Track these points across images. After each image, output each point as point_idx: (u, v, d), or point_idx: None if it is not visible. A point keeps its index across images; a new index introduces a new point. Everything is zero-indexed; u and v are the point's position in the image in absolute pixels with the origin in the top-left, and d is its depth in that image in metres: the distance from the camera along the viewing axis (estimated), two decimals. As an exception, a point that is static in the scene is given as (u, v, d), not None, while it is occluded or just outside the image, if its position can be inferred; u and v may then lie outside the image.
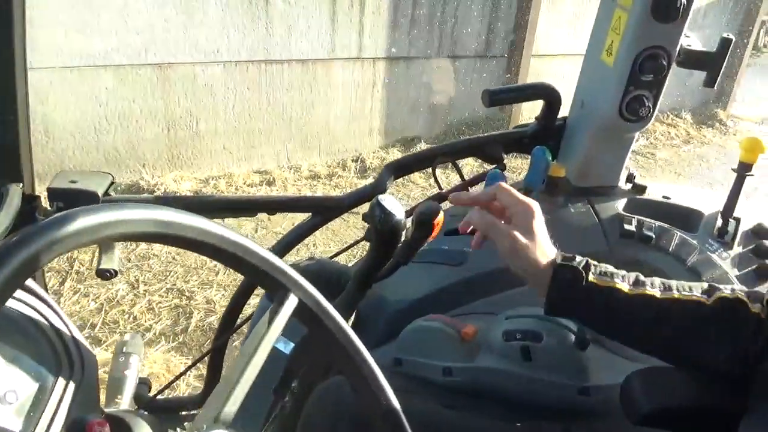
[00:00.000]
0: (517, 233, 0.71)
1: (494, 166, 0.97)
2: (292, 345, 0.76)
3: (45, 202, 0.86)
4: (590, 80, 1.03)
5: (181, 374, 0.99)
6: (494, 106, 0.98)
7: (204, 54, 3.69)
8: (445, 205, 1.04)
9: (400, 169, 0.97)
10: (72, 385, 0.41)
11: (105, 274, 0.94)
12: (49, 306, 0.45)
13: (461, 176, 0.99)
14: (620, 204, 0.97)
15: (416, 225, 0.74)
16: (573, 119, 1.07)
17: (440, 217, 0.76)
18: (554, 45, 5.32)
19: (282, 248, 0.94)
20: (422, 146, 4.88)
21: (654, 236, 0.89)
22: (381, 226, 0.63)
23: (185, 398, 1.11)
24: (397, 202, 0.64)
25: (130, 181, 3.82)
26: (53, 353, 0.42)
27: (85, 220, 0.35)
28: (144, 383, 1.13)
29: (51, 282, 2.92)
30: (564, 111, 1.05)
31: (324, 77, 4.28)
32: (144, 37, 3.46)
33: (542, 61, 5.29)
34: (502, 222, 0.74)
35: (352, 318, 0.74)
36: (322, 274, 0.86)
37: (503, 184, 0.73)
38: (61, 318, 0.45)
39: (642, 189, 1.02)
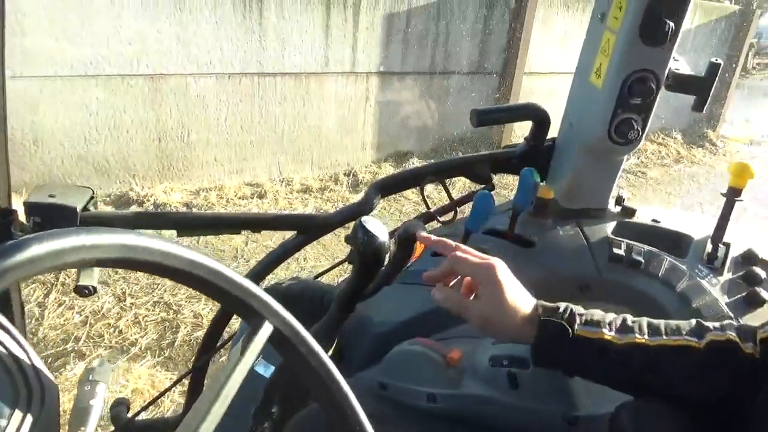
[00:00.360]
0: (484, 305, 0.69)
1: (482, 186, 0.96)
2: (272, 369, 0.74)
3: (23, 217, 0.84)
4: (579, 102, 1.03)
5: (159, 396, 0.96)
6: (482, 126, 0.98)
7: (197, 65, 3.69)
8: (434, 224, 1.03)
9: (387, 187, 0.96)
10: (30, 418, 0.39)
11: (83, 291, 0.92)
12: (7, 331, 0.43)
13: (449, 196, 0.98)
14: (609, 227, 0.96)
15: (398, 245, 0.73)
16: (562, 140, 1.06)
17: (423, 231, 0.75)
18: (546, 63, 5.37)
19: (265, 267, 0.92)
20: (414, 161, 4.89)
21: (643, 261, 0.88)
22: (364, 249, 0.61)
23: (166, 419, 1.08)
24: (380, 224, 0.63)
25: (120, 191, 3.79)
26: (10, 383, 0.40)
27: (42, 247, 0.34)
28: (122, 404, 1.10)
29: (35, 294, 2.87)
30: (553, 132, 1.05)
31: (317, 91, 4.29)
32: (136, 48, 3.45)
33: (534, 79, 5.33)
34: (470, 295, 0.73)
35: (335, 341, 0.72)
36: (305, 294, 0.85)
37: (457, 252, 0.70)
38: (19, 344, 0.43)
39: (631, 212, 1.01)
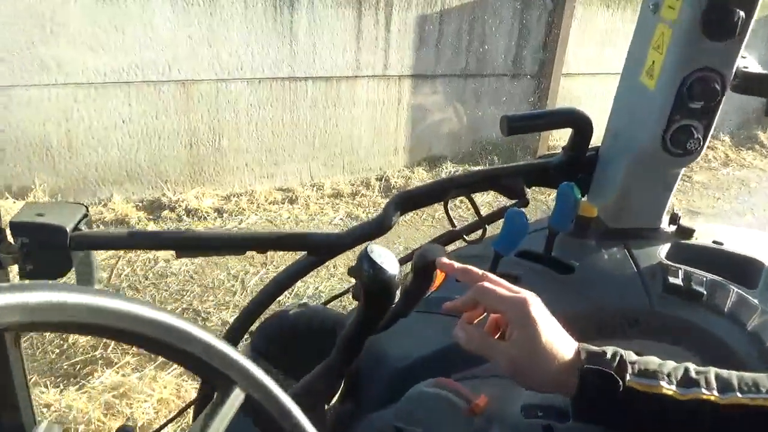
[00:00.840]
0: (515, 348, 0.58)
1: (514, 201, 0.84)
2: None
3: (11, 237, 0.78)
4: (627, 106, 0.90)
5: (164, 425, 0.89)
6: (514, 134, 0.86)
7: (228, 71, 3.67)
8: (459, 243, 0.93)
9: (407, 203, 0.86)
10: None
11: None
12: None
13: (477, 212, 0.87)
14: (663, 250, 0.83)
15: (415, 274, 0.63)
16: (606, 150, 0.93)
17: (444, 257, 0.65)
18: (585, 63, 5.17)
19: (272, 292, 0.84)
20: (448, 166, 4.77)
21: (705, 292, 0.75)
22: (370, 283, 0.52)
23: None
24: (389, 253, 0.53)
25: (152, 197, 3.80)
26: None
27: None
28: (126, 430, 1.03)
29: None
30: (596, 140, 0.92)
31: (348, 95, 4.22)
32: (167, 54, 3.45)
33: (573, 81, 5.14)
34: (496, 335, 0.62)
35: (339, 388, 0.63)
36: (313, 324, 0.76)
37: (485, 283, 0.60)
38: None
39: (689, 232, 0.88)
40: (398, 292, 0.54)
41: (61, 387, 2.33)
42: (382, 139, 4.55)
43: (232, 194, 4.04)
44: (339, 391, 0.64)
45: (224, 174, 3.99)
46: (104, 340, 2.63)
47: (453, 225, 0.87)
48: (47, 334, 2.61)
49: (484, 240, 0.88)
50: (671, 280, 0.74)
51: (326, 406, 0.62)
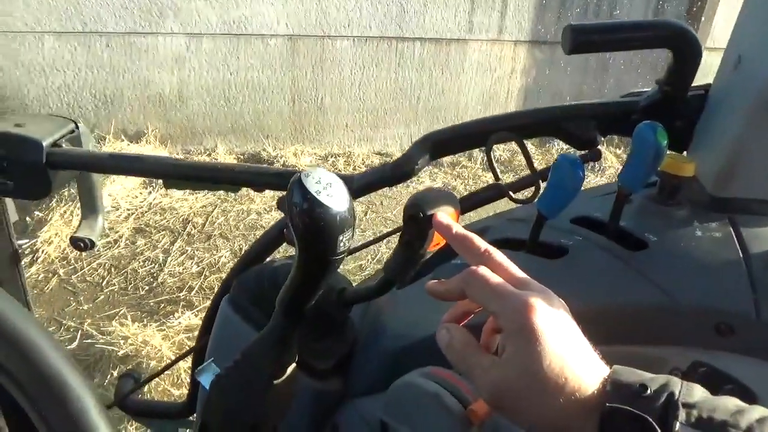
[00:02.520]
0: (502, 368, 0.40)
1: (584, 151, 0.62)
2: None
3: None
4: (757, 23, 0.63)
5: (159, 373, 0.82)
6: (580, 52, 0.63)
7: (334, 27, 3.60)
8: (500, 205, 0.72)
9: (438, 145, 0.68)
10: None
11: (78, 244, 0.79)
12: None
13: (529, 163, 0.66)
14: None
15: (405, 227, 0.47)
16: (721, 88, 0.66)
17: (449, 213, 0.47)
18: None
19: (273, 236, 0.72)
20: (561, 144, 4.40)
21: None
22: (302, 223, 0.36)
23: (166, 405, 0.95)
24: (336, 180, 0.37)
25: (253, 150, 3.89)
26: None
27: None
28: (130, 376, 0.98)
29: (163, 240, 3.02)
30: (705, 77, 0.67)
31: (458, 59, 4.00)
32: (277, 8, 3.44)
33: (717, 56, 4.47)
34: (487, 347, 0.45)
35: (295, 356, 0.49)
36: (259, 280, 0.62)
37: (479, 268, 0.42)
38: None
39: (829, 213, 0.62)
40: (346, 239, 0.38)
41: (145, 323, 2.43)
42: (491, 108, 4.28)
43: (330, 154, 4.02)
44: (292, 363, 0.51)
45: (324, 133, 3.97)
46: (190, 281, 2.72)
47: (497, 177, 0.67)
48: (140, 270, 2.76)
49: (536, 200, 0.68)
50: None
51: (277, 381, 0.48)
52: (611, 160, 4.23)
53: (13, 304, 0.33)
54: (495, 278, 0.42)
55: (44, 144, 0.65)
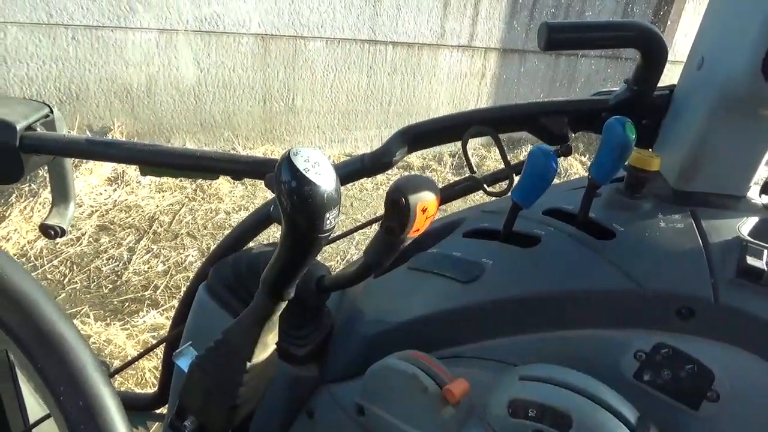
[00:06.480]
0: None
1: (556, 147, 0.65)
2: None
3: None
4: (718, 27, 0.66)
5: (128, 364, 0.81)
6: (554, 49, 0.66)
7: (307, 28, 3.60)
8: (478, 198, 0.75)
9: (416, 137, 0.69)
10: None
11: (48, 232, 0.77)
12: None
13: (503, 156, 0.68)
14: (745, 225, 0.61)
15: (386, 212, 0.48)
16: (684, 88, 0.70)
17: (429, 200, 0.49)
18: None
19: (236, 240, 0.72)
20: (528, 149, 4.49)
21: None
22: (290, 200, 0.37)
23: (136, 395, 0.94)
24: (323, 159, 0.38)
25: (223, 150, 3.84)
26: None
27: None
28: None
29: (128, 239, 2.96)
30: (670, 78, 0.71)
31: (430, 63, 4.04)
32: (249, 6, 3.42)
33: (680, 69, 4.65)
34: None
35: (276, 336, 0.50)
36: (237, 267, 0.62)
37: None
38: None
39: (784, 207, 0.65)
40: (332, 217, 0.39)
41: (108, 321, 2.38)
42: (461, 113, 4.34)
43: (301, 155, 4.01)
44: (273, 345, 0.51)
45: (295, 134, 3.96)
46: (155, 280, 2.67)
47: (472, 170, 0.70)
48: (104, 268, 2.69)
49: (510, 193, 0.70)
50: (750, 261, 0.53)
51: (257, 362, 0.49)
52: (576, 167, 4.34)
53: (8, 259, 0.33)
54: None
55: (18, 127, 0.64)
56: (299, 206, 0.38)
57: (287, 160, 0.38)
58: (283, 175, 0.38)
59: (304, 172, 0.38)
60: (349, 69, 3.86)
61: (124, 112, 3.49)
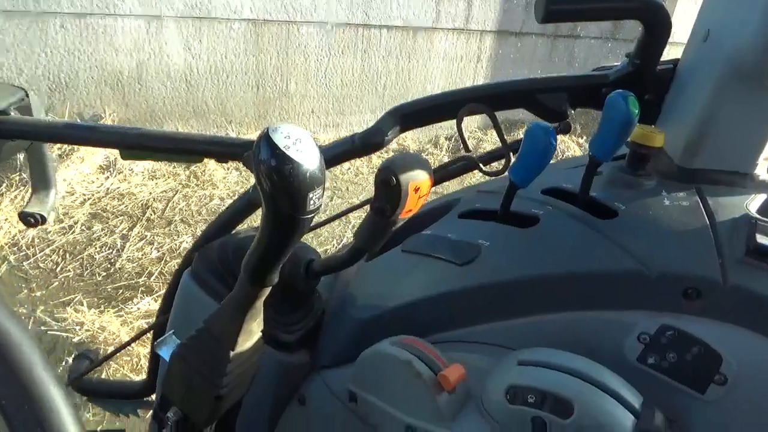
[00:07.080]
0: None
1: (556, 124, 0.62)
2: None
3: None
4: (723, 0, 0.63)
5: (113, 353, 0.78)
6: (552, 20, 0.63)
7: (300, 13, 3.54)
8: (475, 177, 0.72)
9: (409, 117, 0.66)
10: None
11: (28, 220, 0.74)
12: None
13: (500, 135, 0.65)
14: (753, 202, 0.58)
15: (376, 188, 0.46)
16: (689, 61, 0.67)
17: (422, 179, 0.46)
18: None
19: (225, 223, 0.69)
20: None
21: None
22: (270, 181, 0.34)
23: (123, 384, 0.91)
24: (305, 136, 0.35)
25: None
26: None
27: None
28: (85, 356, 0.94)
29: (121, 226, 2.93)
30: (674, 52, 0.68)
31: (425, 47, 3.99)
32: (240, -10, 3.36)
33: (679, 51, 4.60)
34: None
35: (261, 323, 0.47)
36: (223, 253, 0.60)
37: None
38: None
39: (793, 184, 0.63)
40: (316, 197, 0.36)
41: (101, 308, 2.35)
42: (457, 97, 4.29)
43: (296, 141, 3.97)
44: (258, 333, 0.49)
45: (289, 119, 3.91)
46: (149, 267, 2.64)
47: (467, 149, 0.66)
48: (97, 256, 2.66)
49: (507, 172, 0.68)
50: (759, 239, 0.50)
51: (242, 351, 0.46)
52: (574, 149, 4.31)
53: None
54: None
55: (-7, 110, 0.61)
56: (279, 186, 0.35)
57: (266, 137, 0.35)
58: (261, 153, 0.35)
59: (284, 149, 0.35)
60: (342, 53, 3.81)
61: (115, 99, 3.44)
